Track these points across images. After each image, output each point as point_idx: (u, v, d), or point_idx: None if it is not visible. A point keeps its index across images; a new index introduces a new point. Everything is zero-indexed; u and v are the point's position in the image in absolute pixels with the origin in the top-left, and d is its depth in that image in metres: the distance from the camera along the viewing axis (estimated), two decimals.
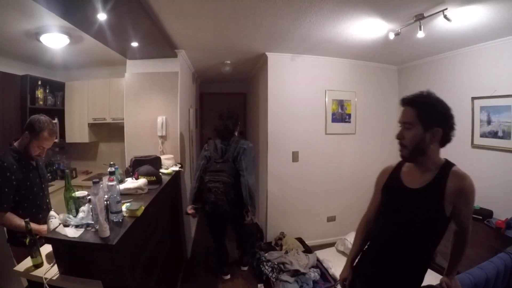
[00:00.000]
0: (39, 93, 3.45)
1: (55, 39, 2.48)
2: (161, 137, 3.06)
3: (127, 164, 2.77)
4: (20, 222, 1.63)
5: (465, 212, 1.17)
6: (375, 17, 2.15)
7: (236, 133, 2.73)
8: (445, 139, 1.17)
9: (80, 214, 1.45)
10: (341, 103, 3.66)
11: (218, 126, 2.68)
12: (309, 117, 3.50)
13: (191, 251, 3.47)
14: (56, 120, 3.59)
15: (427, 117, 1.15)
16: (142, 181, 2.04)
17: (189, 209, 2.69)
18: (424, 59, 3.44)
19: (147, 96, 3.12)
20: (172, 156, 2.94)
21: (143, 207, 1.62)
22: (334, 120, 3.63)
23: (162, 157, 2.88)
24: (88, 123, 3.76)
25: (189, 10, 2.07)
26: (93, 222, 1.35)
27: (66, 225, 1.39)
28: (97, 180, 1.32)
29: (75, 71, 3.97)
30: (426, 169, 1.21)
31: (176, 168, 2.76)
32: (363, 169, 3.77)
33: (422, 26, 2.09)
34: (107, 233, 1.28)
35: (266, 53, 3.28)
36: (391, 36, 2.32)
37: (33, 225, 1.51)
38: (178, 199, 2.99)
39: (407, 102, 1.22)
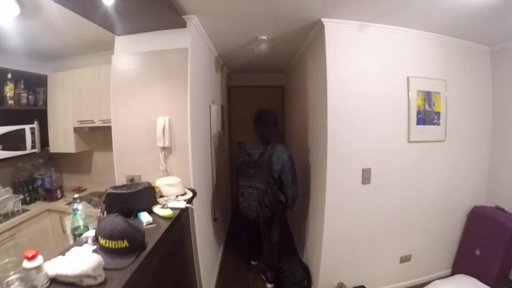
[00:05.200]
0: (8, 90, 2.54)
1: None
2: (163, 148, 1.96)
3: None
4: None
5: None
6: None
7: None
8: None
9: None
10: (428, 97, 2.40)
11: (260, 131, 2.55)
12: (385, 117, 2.27)
13: None
14: (35, 124, 2.67)
15: None
16: (92, 260, 0.94)
17: None
18: None
19: (143, 87, 2.04)
20: (178, 180, 1.84)
21: None
22: (420, 121, 2.38)
23: (162, 182, 1.80)
24: (74, 127, 2.80)
25: None
26: None
27: None
28: None
29: (63, 61, 3.04)
30: None
31: (182, 203, 1.66)
32: (451, 191, 2.61)
33: None
34: None
35: (323, 20, 2.09)
36: None
37: None
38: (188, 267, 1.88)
39: None
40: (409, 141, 2.35)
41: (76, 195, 1.63)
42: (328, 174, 2.15)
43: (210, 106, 2.62)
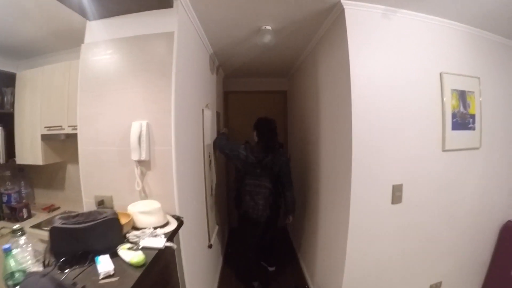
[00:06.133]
0: None
1: None
2: (140, 162, 1.50)
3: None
4: None
5: None
6: None
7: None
8: None
9: None
10: (462, 97, 2.00)
11: (265, 139, 2.54)
12: (417, 121, 1.84)
13: None
14: None
15: None
16: None
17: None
18: None
19: (117, 83, 1.60)
20: (156, 206, 1.38)
21: None
22: (456, 125, 1.97)
23: (136, 208, 1.34)
24: (42, 135, 2.35)
25: None
26: None
27: None
28: None
29: (37, 59, 2.61)
30: None
31: (161, 242, 1.19)
32: (484, 205, 2.19)
33: None
34: None
35: (342, 2, 1.69)
36: None
37: None
38: None
39: None
40: (444, 150, 1.92)
41: (16, 226, 1.17)
42: (353, 191, 1.69)
43: (203, 110, 2.18)
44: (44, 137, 2.37)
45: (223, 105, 3.96)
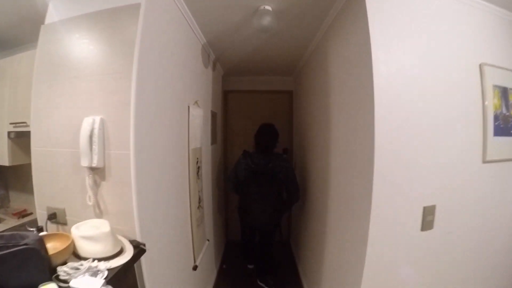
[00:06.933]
0: None
1: None
2: (92, 170, 1.16)
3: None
4: None
5: None
6: None
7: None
8: None
9: None
10: (505, 95, 1.59)
11: (262, 141, 2.59)
12: (452, 125, 1.43)
13: None
14: None
15: None
16: None
17: None
18: None
19: (73, 68, 1.28)
20: (104, 230, 1.04)
21: None
22: (498, 130, 1.55)
23: (78, 231, 1.01)
24: (8, 132, 2.06)
25: None
26: None
27: None
28: None
29: (16, 49, 2.32)
30: None
31: (97, 283, 0.85)
32: None
33: None
34: None
35: None
36: None
37: None
38: None
39: None
40: (484, 161, 1.51)
41: None
42: (373, 213, 1.30)
43: (189, 107, 1.84)
44: (13, 135, 2.08)
45: (222, 106, 3.62)
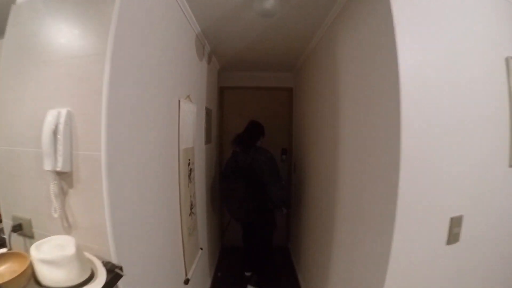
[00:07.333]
0: None
1: None
2: (58, 175, 0.95)
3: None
4: None
5: None
6: None
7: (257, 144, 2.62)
8: None
9: None
10: None
11: (242, 137, 2.63)
12: (479, 126, 1.24)
13: None
14: None
15: None
16: None
17: None
18: None
19: (42, 52, 1.07)
20: (68, 253, 0.82)
21: None
22: None
23: (40, 253, 0.81)
24: None
25: None
26: None
27: None
28: None
29: None
30: None
31: None
32: None
33: None
34: None
35: None
36: None
37: None
38: None
39: None
40: (511, 165, 1.34)
41: None
42: (397, 225, 1.11)
43: (179, 102, 1.63)
44: None
45: (218, 102, 3.41)
